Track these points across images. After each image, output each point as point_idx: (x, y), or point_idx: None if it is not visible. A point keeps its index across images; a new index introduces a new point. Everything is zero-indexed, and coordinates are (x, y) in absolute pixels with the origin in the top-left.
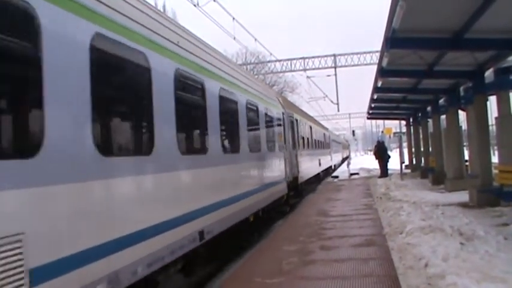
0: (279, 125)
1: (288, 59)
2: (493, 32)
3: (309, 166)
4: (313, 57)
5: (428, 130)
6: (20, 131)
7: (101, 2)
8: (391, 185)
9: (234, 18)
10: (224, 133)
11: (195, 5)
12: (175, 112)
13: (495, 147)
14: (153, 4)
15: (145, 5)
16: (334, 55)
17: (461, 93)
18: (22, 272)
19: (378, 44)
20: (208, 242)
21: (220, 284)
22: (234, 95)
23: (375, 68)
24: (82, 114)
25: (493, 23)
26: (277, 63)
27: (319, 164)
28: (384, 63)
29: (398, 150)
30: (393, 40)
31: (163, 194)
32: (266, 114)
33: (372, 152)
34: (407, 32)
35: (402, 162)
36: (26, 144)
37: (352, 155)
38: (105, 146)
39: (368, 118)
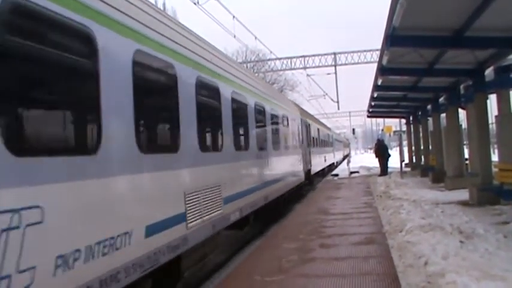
0: (298, 129)
1: (288, 57)
2: (494, 30)
3: (318, 161)
4: (313, 55)
5: (429, 128)
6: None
7: (143, 24)
8: (391, 184)
9: (234, 17)
10: (273, 137)
11: (195, 3)
12: (231, 120)
13: (495, 146)
14: (153, 2)
15: (174, 22)
16: (334, 53)
17: (462, 92)
18: None
19: (377, 42)
20: (268, 203)
21: (220, 282)
22: (274, 111)
23: (375, 66)
24: (128, 119)
25: (493, 21)
26: (277, 62)
27: (325, 160)
28: (384, 61)
29: (398, 148)
30: (393, 38)
31: (243, 174)
32: (290, 120)
33: (371, 150)
34: (407, 30)
35: (402, 160)
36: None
37: (352, 153)
38: (144, 145)
39: (368, 116)
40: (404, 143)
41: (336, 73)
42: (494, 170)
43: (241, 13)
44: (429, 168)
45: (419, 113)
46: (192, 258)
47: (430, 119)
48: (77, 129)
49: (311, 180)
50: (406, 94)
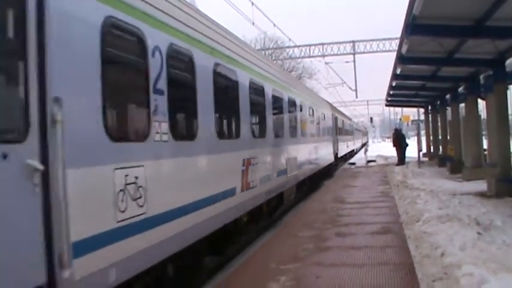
0: (331, 122)
1: (307, 45)
2: None
3: (342, 147)
4: (331, 43)
5: (447, 118)
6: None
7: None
8: (408, 173)
9: (253, 3)
10: (320, 129)
11: None
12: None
13: None
14: None
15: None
16: (353, 41)
17: (481, 82)
18: None
19: (396, 31)
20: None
21: (236, 269)
22: (319, 111)
23: (393, 55)
24: (211, 118)
25: None
26: (296, 49)
27: (347, 146)
28: (404, 50)
29: (416, 138)
30: (413, 27)
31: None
32: (326, 117)
33: (389, 139)
34: (427, 18)
35: (420, 150)
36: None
37: (370, 141)
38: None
39: (386, 105)
40: (422, 132)
41: (354, 61)
42: None
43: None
44: (447, 158)
45: (438, 102)
46: (287, 194)
47: (449, 109)
48: (188, 125)
49: (337, 162)
50: (425, 83)
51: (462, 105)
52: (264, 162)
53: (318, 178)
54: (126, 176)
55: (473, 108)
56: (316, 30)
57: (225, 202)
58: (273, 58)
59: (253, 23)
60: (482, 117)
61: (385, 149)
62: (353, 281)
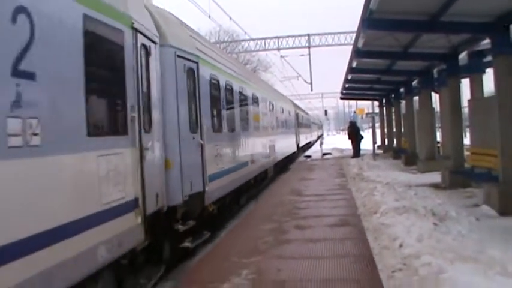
0: (293, 117)
1: (262, 38)
2: (469, 15)
3: (302, 138)
4: (287, 36)
5: (401, 111)
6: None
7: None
8: (363, 166)
9: None
10: (286, 123)
11: None
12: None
13: (467, 129)
14: None
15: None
16: (308, 35)
17: (435, 76)
18: None
19: (350, 24)
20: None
21: (198, 263)
22: (286, 109)
23: (349, 48)
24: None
25: (469, 6)
26: (251, 42)
27: (306, 138)
28: (360, 44)
29: (370, 130)
30: (370, 21)
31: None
32: (291, 113)
33: (343, 132)
34: (384, 13)
35: (375, 142)
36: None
37: (325, 134)
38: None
39: (341, 98)
40: (377, 125)
41: (309, 54)
42: (466, 153)
43: None
44: (401, 150)
45: (393, 95)
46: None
47: (403, 102)
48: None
49: (299, 150)
50: (380, 77)
51: (416, 98)
52: (258, 147)
53: (286, 162)
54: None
55: (427, 101)
56: (272, 25)
57: (245, 169)
58: (228, 51)
59: (209, 16)
60: (435, 110)
61: (340, 141)
62: (314, 274)
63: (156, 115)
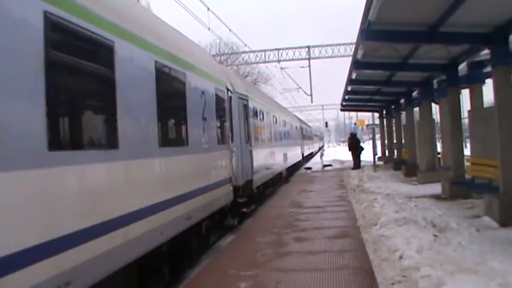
0: (298, 130)
1: (262, 50)
2: (468, 26)
3: (306, 148)
4: (287, 48)
5: (401, 122)
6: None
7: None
8: (364, 177)
9: (208, 9)
10: (303, 135)
11: None
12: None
13: (467, 140)
14: None
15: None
16: (308, 47)
17: (435, 86)
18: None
19: (351, 36)
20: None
21: (196, 276)
22: (288, 123)
23: (349, 59)
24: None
25: (467, 17)
26: (251, 54)
27: (309, 149)
28: (359, 55)
29: (371, 142)
30: (369, 32)
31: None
32: (296, 127)
33: (344, 144)
34: (383, 24)
35: (375, 154)
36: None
37: (325, 146)
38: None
39: (341, 110)
40: (377, 136)
41: (309, 66)
42: (467, 164)
43: (215, 5)
44: (402, 161)
45: (393, 106)
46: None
47: (403, 113)
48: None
49: (306, 158)
50: (380, 88)
51: (416, 109)
52: (280, 154)
53: (293, 168)
54: (259, 153)
55: (427, 112)
56: (272, 37)
57: (272, 168)
58: (228, 63)
59: (209, 28)
60: (436, 121)
61: (341, 153)
62: (313, 286)
63: (234, 132)
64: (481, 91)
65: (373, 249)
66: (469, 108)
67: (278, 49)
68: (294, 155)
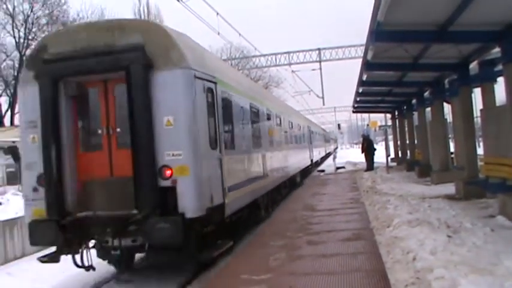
0: (311, 134)
1: (273, 54)
2: (477, 24)
3: (319, 151)
4: (297, 51)
5: (414, 123)
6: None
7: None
8: (377, 179)
9: (218, 13)
10: (324, 139)
11: (178, 0)
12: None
13: (480, 139)
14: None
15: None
16: (319, 49)
17: (446, 86)
18: None
19: (362, 37)
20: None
21: (208, 281)
22: (312, 131)
23: (360, 61)
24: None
25: (477, 16)
26: (262, 58)
27: (319, 153)
28: (369, 56)
29: (384, 143)
30: (378, 33)
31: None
32: (323, 133)
33: (357, 146)
34: (392, 25)
35: (388, 155)
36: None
37: (339, 148)
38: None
39: (353, 112)
40: (390, 137)
41: (320, 69)
42: (480, 163)
43: (225, 9)
44: (415, 162)
45: (405, 107)
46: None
47: (416, 114)
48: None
49: (313, 164)
50: (391, 89)
51: (428, 109)
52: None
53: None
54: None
55: (439, 112)
56: (282, 40)
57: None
58: (239, 68)
59: (218, 33)
60: (448, 120)
61: (354, 155)
62: None
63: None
64: (493, 89)
65: (387, 251)
66: (481, 107)
67: (289, 52)
68: (299, 161)
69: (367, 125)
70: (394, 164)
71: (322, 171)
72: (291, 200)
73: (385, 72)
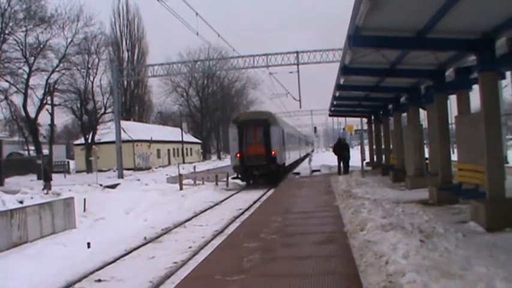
0: (305, 140)
1: (251, 55)
2: (455, 32)
3: (304, 151)
4: (275, 53)
5: (390, 128)
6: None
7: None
8: (352, 182)
9: (197, 14)
10: (305, 142)
11: (158, 0)
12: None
13: (455, 146)
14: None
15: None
16: (297, 52)
17: (423, 92)
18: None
19: (340, 41)
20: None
21: (181, 282)
22: (297, 137)
23: (337, 65)
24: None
25: (454, 24)
26: (240, 59)
27: (305, 153)
28: (347, 61)
29: (359, 147)
30: (356, 38)
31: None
32: (305, 138)
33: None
34: (370, 30)
35: (363, 159)
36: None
37: (314, 151)
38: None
39: (330, 115)
40: (366, 141)
41: (298, 72)
42: (454, 169)
43: (204, 10)
44: (390, 167)
45: (381, 112)
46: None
47: (391, 119)
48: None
49: (306, 156)
50: (368, 94)
51: (404, 114)
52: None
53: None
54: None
55: (415, 117)
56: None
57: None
58: (217, 68)
59: (197, 33)
60: (423, 126)
61: (329, 158)
62: None
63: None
64: (468, 97)
65: (360, 255)
66: (456, 113)
67: (267, 54)
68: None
69: (343, 128)
70: (369, 168)
71: (298, 173)
72: (265, 202)
73: (362, 77)
